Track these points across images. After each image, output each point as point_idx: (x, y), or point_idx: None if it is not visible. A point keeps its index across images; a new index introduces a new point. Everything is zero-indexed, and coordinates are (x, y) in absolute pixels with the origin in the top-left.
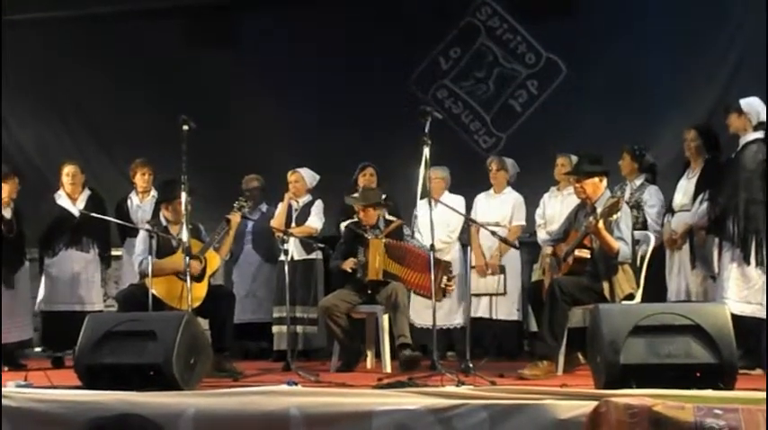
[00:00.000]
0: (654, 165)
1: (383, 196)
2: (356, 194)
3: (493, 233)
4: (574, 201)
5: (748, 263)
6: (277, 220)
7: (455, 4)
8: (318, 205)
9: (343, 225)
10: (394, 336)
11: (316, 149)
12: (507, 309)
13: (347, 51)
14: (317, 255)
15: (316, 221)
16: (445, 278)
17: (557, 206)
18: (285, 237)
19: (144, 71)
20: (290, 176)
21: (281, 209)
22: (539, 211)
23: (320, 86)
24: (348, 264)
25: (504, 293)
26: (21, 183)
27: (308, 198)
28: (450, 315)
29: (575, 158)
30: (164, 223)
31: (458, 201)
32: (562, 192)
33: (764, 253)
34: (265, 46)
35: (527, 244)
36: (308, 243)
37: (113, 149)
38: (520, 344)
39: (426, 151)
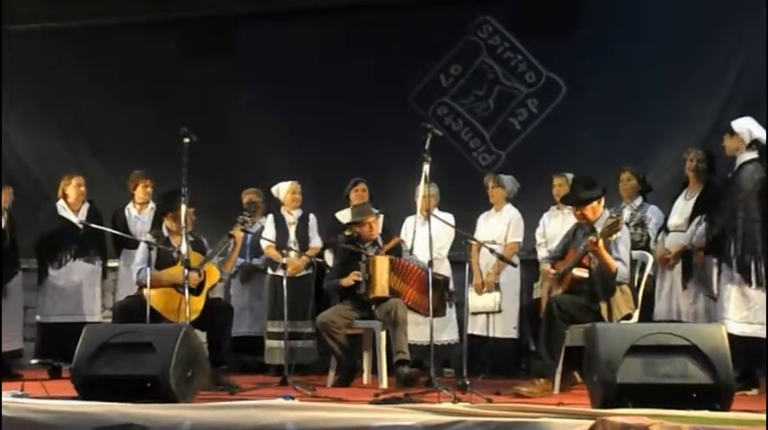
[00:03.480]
0: (650, 188)
1: (374, 209)
2: (346, 210)
3: (491, 251)
4: (574, 219)
5: (749, 284)
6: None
7: (456, 22)
8: (314, 221)
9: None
10: (392, 352)
11: (313, 163)
12: (504, 327)
13: (347, 66)
14: (310, 270)
15: (318, 241)
16: (446, 294)
17: (558, 225)
18: (285, 251)
19: (143, 82)
20: (294, 187)
21: None
22: (539, 230)
23: (319, 100)
24: (352, 277)
25: (500, 311)
26: (16, 194)
27: (299, 211)
28: (441, 331)
29: (570, 176)
30: (165, 234)
31: (447, 219)
32: (562, 210)
33: (764, 273)
34: (264, 58)
35: (527, 262)
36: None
37: (111, 160)
38: (517, 362)
39: (426, 168)
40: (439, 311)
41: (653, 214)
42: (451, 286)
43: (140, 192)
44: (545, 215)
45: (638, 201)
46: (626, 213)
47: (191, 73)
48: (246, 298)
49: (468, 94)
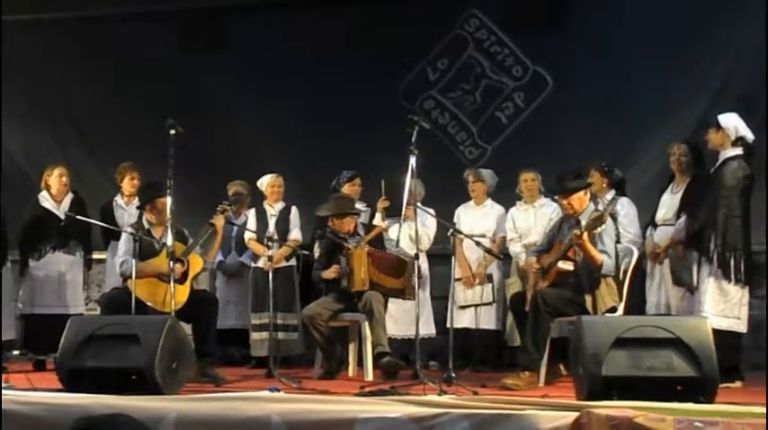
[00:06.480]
0: (623, 180)
1: (355, 205)
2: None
3: (478, 244)
4: (546, 212)
5: (728, 279)
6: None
7: (443, 16)
8: (295, 214)
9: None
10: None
11: (302, 157)
12: (491, 319)
13: (337, 60)
14: (292, 261)
15: (299, 233)
16: (413, 277)
17: (530, 218)
18: (270, 244)
19: (136, 75)
20: (274, 180)
21: None
22: (509, 225)
23: (310, 94)
24: (330, 273)
25: (493, 302)
26: (3, 185)
27: (282, 204)
28: (422, 325)
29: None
30: (146, 226)
31: (430, 212)
32: (533, 204)
33: (743, 269)
34: (257, 52)
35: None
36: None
37: (100, 152)
38: (499, 354)
39: (413, 161)
40: (408, 294)
41: (623, 206)
42: (425, 270)
43: (127, 185)
44: (512, 210)
45: (610, 195)
46: (599, 207)
47: (185, 65)
48: (232, 290)
49: (455, 88)
